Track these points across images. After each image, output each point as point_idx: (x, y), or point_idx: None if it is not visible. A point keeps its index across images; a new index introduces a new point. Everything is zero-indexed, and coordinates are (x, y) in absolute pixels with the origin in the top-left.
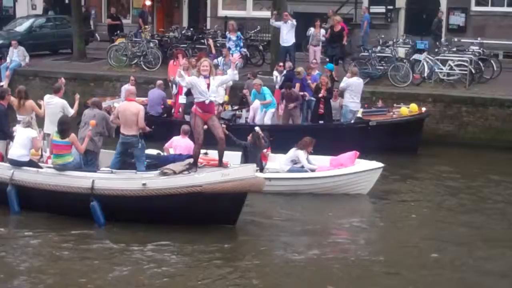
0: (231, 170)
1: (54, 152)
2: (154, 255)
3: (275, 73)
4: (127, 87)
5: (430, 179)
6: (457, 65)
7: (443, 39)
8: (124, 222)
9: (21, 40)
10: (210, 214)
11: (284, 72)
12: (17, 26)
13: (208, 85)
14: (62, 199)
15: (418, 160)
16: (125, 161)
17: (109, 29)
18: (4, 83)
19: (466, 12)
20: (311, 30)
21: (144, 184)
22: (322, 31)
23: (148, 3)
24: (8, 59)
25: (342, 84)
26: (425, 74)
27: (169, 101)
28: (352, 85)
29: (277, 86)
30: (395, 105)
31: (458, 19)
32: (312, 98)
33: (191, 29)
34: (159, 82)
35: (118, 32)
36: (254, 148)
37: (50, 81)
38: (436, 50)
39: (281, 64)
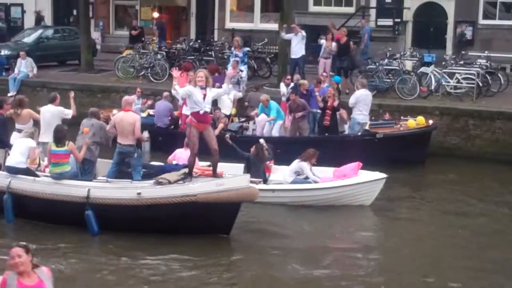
0: (226, 180)
1: (53, 161)
2: (146, 264)
3: (282, 85)
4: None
5: (436, 192)
6: (464, 78)
7: (449, 52)
8: (119, 231)
9: (29, 51)
10: (204, 224)
11: (292, 84)
12: (25, 37)
13: (204, 95)
14: (58, 207)
15: (424, 173)
16: (122, 171)
17: (130, 40)
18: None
19: (474, 25)
20: (323, 41)
21: (139, 193)
22: (334, 44)
23: (156, 15)
24: (16, 70)
25: (351, 100)
26: (432, 87)
27: (176, 113)
28: (360, 97)
29: (283, 99)
30: (402, 117)
31: (465, 32)
32: (318, 111)
33: (199, 41)
34: (166, 93)
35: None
36: (257, 159)
37: (58, 92)
38: (452, 62)
39: (289, 77)
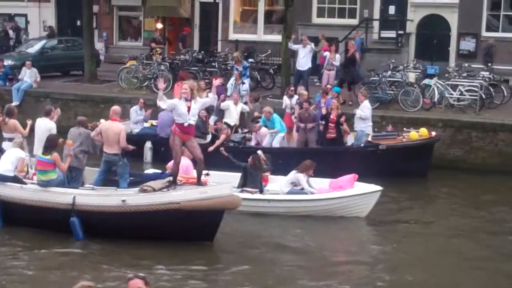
0: (209, 188)
1: (38, 168)
2: (129, 271)
3: (285, 97)
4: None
5: (436, 204)
6: (467, 90)
7: (453, 64)
8: (103, 238)
9: (32, 61)
10: (188, 231)
11: (296, 96)
12: (28, 48)
13: (189, 108)
14: (44, 214)
15: (426, 185)
16: (110, 179)
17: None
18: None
19: (477, 37)
20: (327, 53)
21: (123, 201)
22: (337, 56)
23: (159, 26)
24: (20, 77)
25: (366, 113)
26: (435, 99)
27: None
28: (370, 108)
29: (287, 110)
30: (405, 129)
31: (468, 44)
32: (322, 122)
33: (202, 52)
34: None
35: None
36: (254, 170)
37: (61, 102)
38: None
39: (292, 88)
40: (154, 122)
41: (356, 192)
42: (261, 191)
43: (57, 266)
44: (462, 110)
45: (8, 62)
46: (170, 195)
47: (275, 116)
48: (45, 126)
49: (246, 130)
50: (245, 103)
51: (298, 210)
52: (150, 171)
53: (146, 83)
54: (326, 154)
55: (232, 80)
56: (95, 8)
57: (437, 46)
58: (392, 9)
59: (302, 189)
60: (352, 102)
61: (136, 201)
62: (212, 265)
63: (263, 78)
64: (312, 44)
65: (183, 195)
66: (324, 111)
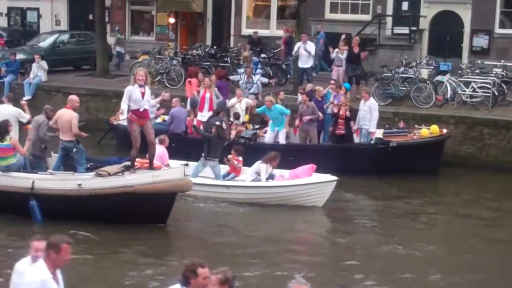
0: (161, 172)
1: None
2: (86, 252)
3: (300, 96)
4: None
5: (440, 200)
6: (480, 87)
7: (466, 61)
8: (61, 220)
9: (44, 55)
10: (141, 214)
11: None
12: (40, 42)
13: (143, 93)
14: (4, 198)
15: (435, 182)
16: (71, 164)
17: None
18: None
19: (490, 34)
20: (336, 50)
21: (79, 185)
22: (345, 52)
23: (171, 21)
24: (31, 75)
25: (377, 113)
26: (448, 96)
27: (189, 119)
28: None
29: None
30: (416, 126)
31: (481, 41)
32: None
33: (215, 47)
34: (176, 99)
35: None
36: (217, 139)
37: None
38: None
39: (303, 88)
40: (165, 118)
41: (311, 181)
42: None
43: (15, 248)
44: (474, 107)
45: (20, 56)
46: (123, 179)
47: (277, 105)
48: (5, 111)
49: (257, 126)
50: (256, 94)
51: (255, 197)
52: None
53: (158, 78)
54: (337, 151)
55: (243, 77)
56: (108, 2)
57: (450, 43)
58: (405, 5)
59: (268, 179)
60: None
61: (91, 185)
62: (163, 248)
63: (275, 74)
64: (312, 43)
65: (136, 179)
66: (336, 109)
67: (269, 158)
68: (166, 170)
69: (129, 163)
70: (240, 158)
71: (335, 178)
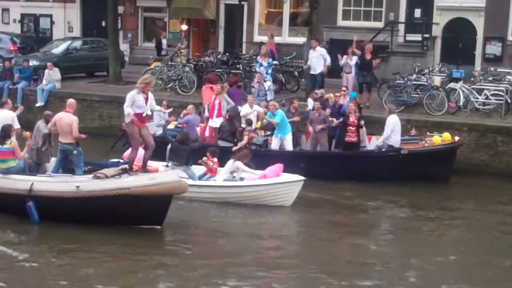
0: (157, 174)
1: None
2: (79, 251)
3: (310, 100)
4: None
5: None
6: (493, 95)
7: (479, 68)
8: (59, 222)
9: (57, 62)
10: (138, 215)
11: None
12: (53, 48)
13: (146, 99)
14: (4, 200)
15: (446, 189)
16: (69, 168)
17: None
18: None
19: (503, 41)
20: (345, 56)
21: (77, 187)
22: (354, 58)
23: (184, 27)
24: (44, 81)
25: (387, 131)
26: (461, 103)
27: (202, 125)
28: (393, 123)
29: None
30: (428, 133)
31: (494, 48)
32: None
33: (227, 54)
34: (191, 106)
35: None
36: (181, 144)
37: (85, 103)
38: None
39: (317, 91)
40: (177, 124)
41: (277, 181)
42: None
43: (14, 248)
44: (487, 114)
45: (33, 63)
46: (120, 181)
47: (280, 111)
48: (4, 116)
49: (268, 133)
50: (269, 101)
51: (225, 196)
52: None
53: (170, 85)
54: (347, 158)
55: (255, 84)
56: (120, 9)
57: (462, 50)
58: (417, 12)
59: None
60: (370, 105)
61: (89, 187)
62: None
63: (287, 81)
64: (323, 49)
65: (133, 181)
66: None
67: (241, 156)
68: (162, 173)
69: (126, 166)
70: (215, 160)
71: (301, 178)
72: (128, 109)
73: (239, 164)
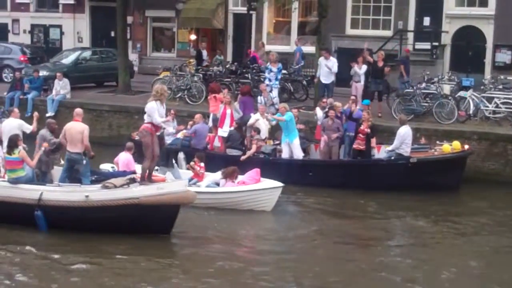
0: (166, 184)
1: (7, 167)
2: (91, 262)
3: (318, 109)
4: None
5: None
6: (503, 103)
7: (488, 76)
8: (68, 231)
9: (67, 72)
10: (147, 224)
11: (327, 108)
12: (63, 58)
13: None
14: (13, 209)
15: (456, 198)
16: (76, 177)
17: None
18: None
19: None
20: (355, 67)
21: (87, 196)
22: (364, 67)
23: (193, 37)
24: (54, 91)
25: (397, 143)
26: (471, 112)
27: (211, 135)
28: (404, 135)
29: (319, 123)
30: (438, 142)
31: (504, 56)
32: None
33: (235, 63)
34: (199, 115)
35: None
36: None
37: (95, 113)
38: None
39: (325, 100)
40: (186, 133)
41: (259, 187)
42: None
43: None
44: (497, 122)
45: (43, 73)
46: (130, 191)
47: (290, 113)
48: (11, 124)
49: (277, 142)
50: (277, 110)
51: (206, 202)
52: (105, 165)
53: (179, 95)
54: (357, 166)
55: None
56: (129, 19)
57: (472, 58)
58: (427, 21)
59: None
60: (382, 114)
61: (99, 196)
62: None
63: (296, 90)
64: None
65: (142, 191)
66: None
67: (227, 173)
68: (170, 183)
69: (133, 176)
70: (202, 164)
71: (280, 184)
72: (160, 119)
73: (222, 182)
